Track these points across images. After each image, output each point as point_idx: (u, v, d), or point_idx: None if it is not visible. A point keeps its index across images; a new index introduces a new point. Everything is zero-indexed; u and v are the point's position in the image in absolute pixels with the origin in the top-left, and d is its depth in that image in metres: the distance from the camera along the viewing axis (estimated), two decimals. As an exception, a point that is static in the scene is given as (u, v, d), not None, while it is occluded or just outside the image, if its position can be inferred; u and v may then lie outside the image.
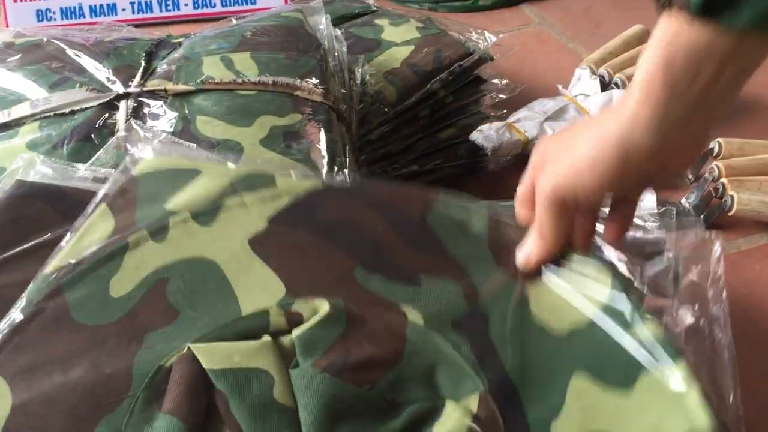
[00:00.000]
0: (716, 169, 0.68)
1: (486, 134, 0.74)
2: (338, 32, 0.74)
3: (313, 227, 0.45)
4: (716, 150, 0.71)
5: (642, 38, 0.82)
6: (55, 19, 1.03)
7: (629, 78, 0.76)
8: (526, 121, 0.76)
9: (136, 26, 1.02)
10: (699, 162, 0.72)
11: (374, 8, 0.91)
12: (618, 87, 0.77)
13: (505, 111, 0.79)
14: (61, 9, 1.03)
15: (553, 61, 0.95)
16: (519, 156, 0.74)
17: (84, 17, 1.03)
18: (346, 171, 0.59)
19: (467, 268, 0.44)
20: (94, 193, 0.44)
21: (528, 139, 0.74)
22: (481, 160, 0.74)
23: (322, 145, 0.59)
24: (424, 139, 0.75)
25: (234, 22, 0.77)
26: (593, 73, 0.79)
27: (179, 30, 1.04)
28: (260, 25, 0.72)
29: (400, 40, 0.80)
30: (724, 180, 0.67)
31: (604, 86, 0.79)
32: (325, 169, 0.58)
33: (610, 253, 0.45)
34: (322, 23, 0.74)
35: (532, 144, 0.74)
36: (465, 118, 0.77)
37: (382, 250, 0.44)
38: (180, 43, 0.71)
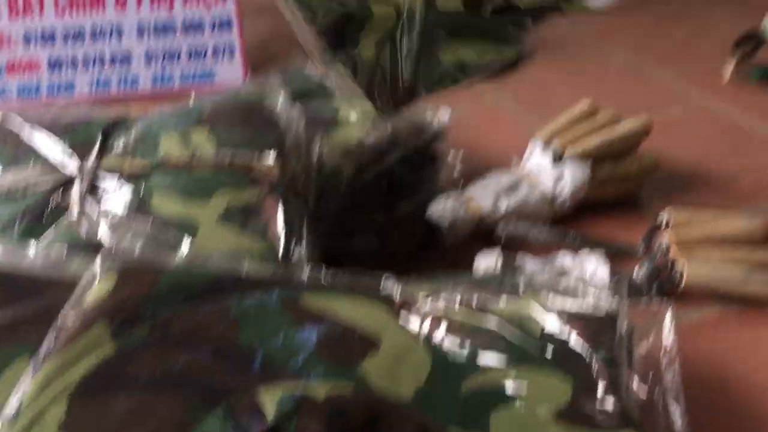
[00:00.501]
0: (666, 240, 0.70)
1: (442, 209, 0.75)
2: (296, 110, 0.76)
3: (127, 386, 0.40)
4: (665, 221, 0.73)
5: (589, 113, 0.85)
6: (12, 98, 1.03)
7: (580, 152, 0.78)
8: (480, 195, 0.77)
9: (95, 104, 1.03)
10: (649, 232, 0.73)
11: (331, 86, 0.93)
12: (569, 161, 0.79)
13: (460, 185, 0.80)
14: (18, 87, 1.03)
15: (507, 136, 0.97)
16: (475, 230, 0.75)
17: (41, 95, 1.04)
18: (303, 247, 0.59)
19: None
20: (43, 279, 0.43)
21: (483, 214, 0.75)
22: (438, 235, 0.75)
23: (279, 222, 0.59)
24: (381, 214, 0.76)
25: (192, 100, 0.78)
26: (544, 147, 0.81)
27: (138, 108, 1.05)
28: (218, 102, 0.73)
29: (356, 117, 0.82)
30: (673, 251, 0.69)
31: (557, 159, 0.81)
32: (282, 246, 0.58)
33: (564, 328, 0.46)
34: (279, 100, 0.75)
35: (488, 219, 0.76)
36: (421, 193, 0.78)
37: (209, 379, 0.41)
38: (137, 120, 0.72)
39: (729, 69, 1.09)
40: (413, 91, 0.83)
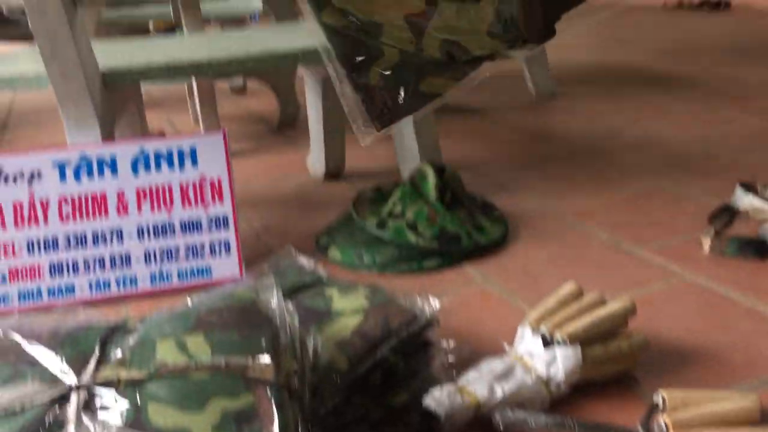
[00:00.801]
0: (663, 423, 0.70)
1: (438, 399, 0.75)
2: (290, 306, 0.78)
3: None
4: (661, 403, 0.73)
5: (576, 295, 0.88)
6: (12, 303, 1.05)
7: (569, 335, 0.80)
8: (475, 382, 0.78)
9: (95, 305, 1.05)
10: (646, 416, 0.73)
11: (324, 278, 0.96)
12: (560, 344, 0.80)
13: (454, 373, 0.81)
14: (19, 292, 1.06)
15: (497, 319, 0.99)
16: (472, 418, 0.75)
17: (42, 299, 1.06)
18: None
19: None
20: None
21: (479, 402, 0.76)
22: (434, 424, 0.74)
23: (275, 427, 0.59)
24: (378, 406, 0.76)
25: (189, 301, 0.80)
26: (534, 331, 0.83)
27: (137, 306, 1.07)
28: (214, 304, 0.75)
29: (349, 309, 0.84)
30: (671, 435, 0.68)
31: (547, 343, 0.83)
32: (278, 451, 0.58)
33: None
34: (273, 299, 0.77)
35: (485, 406, 0.76)
36: (416, 382, 0.78)
37: None
38: (135, 326, 0.73)
39: (707, 243, 1.14)
40: (402, 110, 1.03)
